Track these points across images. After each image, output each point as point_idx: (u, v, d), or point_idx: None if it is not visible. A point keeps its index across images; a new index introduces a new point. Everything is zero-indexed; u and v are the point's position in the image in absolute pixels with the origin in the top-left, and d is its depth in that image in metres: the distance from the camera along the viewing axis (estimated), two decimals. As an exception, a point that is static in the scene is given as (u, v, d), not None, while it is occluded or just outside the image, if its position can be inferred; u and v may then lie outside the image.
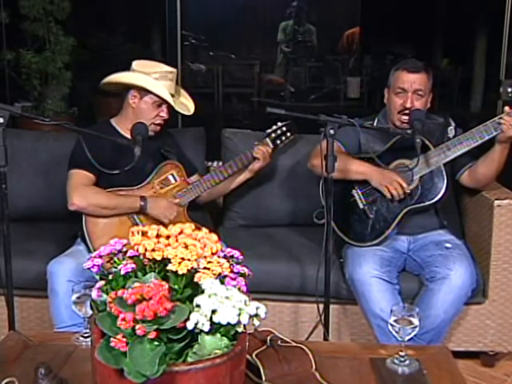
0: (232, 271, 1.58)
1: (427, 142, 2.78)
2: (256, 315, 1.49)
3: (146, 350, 1.40)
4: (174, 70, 2.90)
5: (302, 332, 2.89)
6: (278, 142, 3.08)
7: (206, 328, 1.42)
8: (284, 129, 3.08)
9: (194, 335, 1.45)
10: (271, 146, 3.05)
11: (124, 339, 1.40)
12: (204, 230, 1.65)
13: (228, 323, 1.43)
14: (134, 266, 1.55)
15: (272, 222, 3.36)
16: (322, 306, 2.52)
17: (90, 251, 2.76)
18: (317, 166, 2.76)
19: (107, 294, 1.54)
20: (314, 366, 1.88)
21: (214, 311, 1.43)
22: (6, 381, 1.75)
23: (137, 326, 1.38)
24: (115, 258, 1.62)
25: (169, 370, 1.40)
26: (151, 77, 2.83)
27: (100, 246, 2.64)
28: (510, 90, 4.18)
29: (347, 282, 2.79)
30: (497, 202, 2.81)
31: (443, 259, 2.71)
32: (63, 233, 3.03)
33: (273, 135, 3.06)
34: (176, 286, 1.51)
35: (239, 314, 1.45)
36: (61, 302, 2.64)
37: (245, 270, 1.63)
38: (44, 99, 5.18)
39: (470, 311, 2.89)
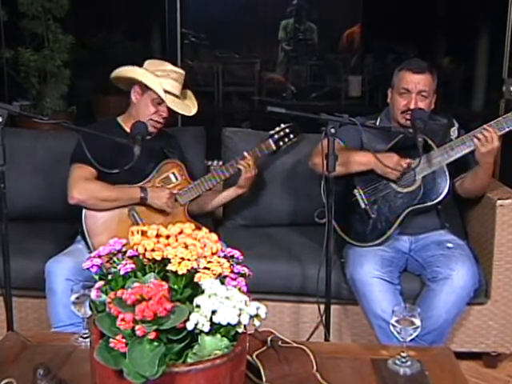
0: (232, 271, 1.58)
1: (430, 142, 2.78)
2: (256, 315, 1.49)
3: (145, 350, 1.40)
4: (179, 70, 2.92)
5: (303, 332, 2.89)
6: (281, 143, 3.08)
7: (206, 328, 1.42)
8: (287, 130, 3.08)
9: (193, 336, 1.45)
10: (274, 147, 3.05)
11: (123, 340, 1.40)
12: (204, 229, 1.65)
13: (228, 324, 1.43)
14: (133, 266, 1.55)
15: (272, 222, 3.36)
16: (322, 307, 2.52)
17: (89, 249, 2.77)
18: (318, 165, 2.76)
19: (106, 294, 1.54)
20: (314, 367, 1.88)
21: (214, 311, 1.43)
22: (4, 382, 1.75)
23: (136, 327, 1.38)
24: (115, 258, 1.62)
25: (168, 371, 1.40)
26: (153, 74, 2.84)
27: (99, 243, 2.71)
28: (512, 88, 4.18)
29: (348, 282, 2.79)
30: (499, 202, 2.81)
31: (445, 259, 2.71)
32: (62, 232, 3.03)
33: (276, 136, 3.06)
34: (176, 287, 1.51)
35: (239, 315, 1.45)
36: (59, 301, 2.64)
37: (245, 270, 1.63)
38: (42, 98, 5.18)
39: (472, 312, 2.89)
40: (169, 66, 2.90)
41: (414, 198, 2.82)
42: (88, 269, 1.60)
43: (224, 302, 1.44)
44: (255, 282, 1.66)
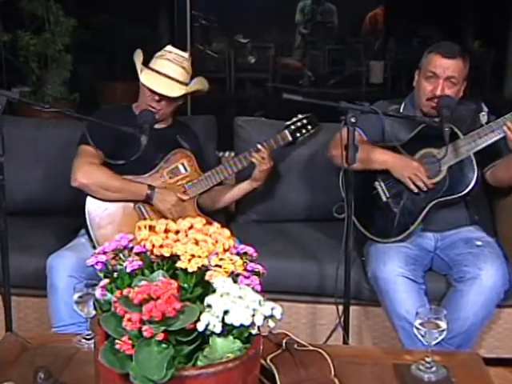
0: (245, 269, 1.58)
1: (456, 130, 2.76)
2: (271, 316, 1.49)
3: (153, 352, 1.40)
4: (179, 52, 2.91)
5: (320, 335, 2.89)
6: (298, 134, 3.08)
7: (218, 330, 1.42)
8: (304, 121, 3.09)
9: (204, 337, 1.45)
10: (290, 138, 3.05)
11: (130, 341, 1.41)
12: (216, 224, 1.65)
13: (241, 325, 1.43)
14: (140, 263, 1.55)
15: (288, 217, 3.36)
16: (341, 308, 2.52)
17: (92, 242, 2.79)
18: (336, 157, 2.76)
19: (112, 292, 1.55)
20: (332, 372, 1.88)
21: (226, 312, 1.43)
22: (3, 385, 1.76)
23: (143, 328, 1.39)
24: (121, 255, 1.62)
25: (177, 375, 1.40)
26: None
27: (102, 236, 2.73)
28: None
29: (370, 280, 2.79)
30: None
31: (473, 258, 2.70)
32: (64, 227, 3.05)
33: (292, 127, 3.07)
34: (185, 285, 1.51)
35: (253, 315, 1.45)
36: (60, 299, 2.66)
37: (259, 268, 1.63)
38: (43, 84, 5.20)
39: (502, 314, 2.88)
40: (169, 47, 2.92)
41: (439, 190, 2.80)
42: (92, 266, 1.61)
43: (237, 302, 1.44)
44: (269, 280, 1.66)
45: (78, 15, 5.31)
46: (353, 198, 2.43)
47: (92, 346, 1.95)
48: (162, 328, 1.39)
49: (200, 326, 1.41)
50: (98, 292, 1.60)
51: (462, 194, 2.79)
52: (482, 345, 2.89)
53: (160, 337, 1.39)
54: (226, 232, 1.62)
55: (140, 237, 1.58)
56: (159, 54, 2.91)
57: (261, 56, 7.30)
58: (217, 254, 1.55)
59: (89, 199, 2.82)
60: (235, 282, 1.53)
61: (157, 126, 2.84)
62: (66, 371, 1.90)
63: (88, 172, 2.78)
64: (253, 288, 1.54)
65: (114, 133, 2.72)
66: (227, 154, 3.50)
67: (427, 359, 1.92)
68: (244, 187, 3.07)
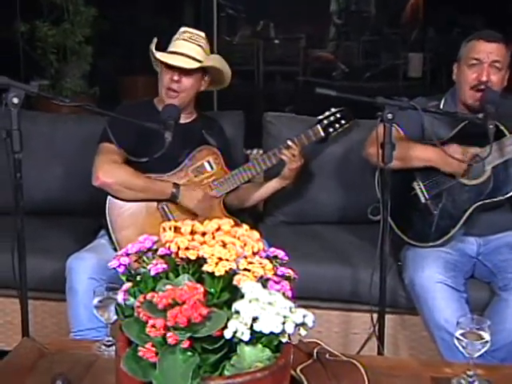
0: (276, 274, 1.59)
1: (502, 127, 2.74)
2: (302, 324, 1.49)
3: (177, 361, 1.41)
4: (193, 30, 2.94)
5: (353, 345, 2.89)
6: (331, 130, 3.07)
7: (246, 337, 1.42)
8: (338, 115, 3.08)
9: (232, 345, 1.46)
10: (322, 134, 3.05)
11: (153, 348, 1.42)
12: (244, 226, 1.66)
13: (271, 332, 1.43)
14: (165, 266, 1.56)
15: (319, 219, 3.36)
16: (376, 316, 2.51)
17: (113, 244, 2.81)
18: (373, 155, 2.75)
19: (135, 297, 1.56)
20: (367, 384, 1.88)
21: (254, 319, 1.44)
22: (20, 393, 1.78)
23: (168, 334, 1.40)
24: (144, 257, 1.63)
25: (203, 385, 1.41)
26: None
27: (124, 238, 2.75)
28: None
29: (406, 287, 2.78)
30: None
31: (519, 264, 2.68)
32: (83, 227, 3.08)
33: (325, 122, 3.06)
34: (212, 290, 1.52)
35: (283, 323, 1.45)
36: (80, 302, 2.67)
37: (290, 272, 1.63)
38: (62, 77, 5.24)
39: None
40: (183, 28, 2.95)
41: (482, 192, 2.78)
42: (114, 268, 1.62)
43: (266, 308, 1.45)
44: (300, 286, 1.66)
45: (99, 4, 5.33)
46: (389, 198, 2.42)
47: (112, 353, 1.97)
48: (188, 335, 1.40)
49: (227, 334, 1.42)
50: (119, 296, 1.61)
51: (507, 195, 2.77)
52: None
53: (185, 344, 1.40)
54: (256, 234, 1.63)
55: (165, 238, 1.59)
56: (175, 37, 2.94)
57: (291, 48, 7.28)
58: (245, 257, 1.55)
59: (109, 199, 2.84)
60: (265, 287, 1.53)
61: (181, 121, 2.85)
62: (86, 379, 1.92)
63: (110, 170, 2.81)
64: (283, 294, 1.54)
65: (137, 129, 2.74)
66: (255, 151, 3.50)
67: (469, 373, 1.91)
68: (273, 185, 3.08)
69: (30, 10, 5.17)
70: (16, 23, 5.22)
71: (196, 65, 2.88)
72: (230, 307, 1.48)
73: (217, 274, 1.49)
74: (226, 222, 1.63)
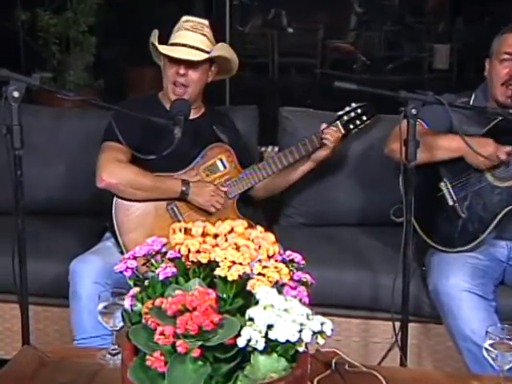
0: (292, 279, 1.59)
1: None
2: (320, 332, 1.49)
3: (188, 370, 1.42)
4: (195, 19, 2.94)
5: (374, 355, 2.90)
6: (351, 126, 3.08)
7: (261, 346, 1.43)
8: (359, 111, 3.08)
9: (245, 354, 1.46)
10: (342, 131, 3.05)
11: (162, 357, 1.42)
12: (259, 228, 1.66)
13: (287, 341, 1.43)
14: (174, 270, 1.57)
15: (338, 220, 3.37)
16: (398, 324, 2.51)
17: (119, 247, 2.83)
18: (396, 151, 2.74)
19: (142, 303, 1.57)
20: (389, 397, 1.88)
21: (269, 326, 1.44)
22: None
23: (177, 342, 1.40)
24: (153, 261, 1.64)
25: (215, 396, 1.42)
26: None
27: (131, 241, 2.76)
28: None
29: (430, 295, 2.77)
30: None
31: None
32: (88, 229, 3.10)
33: (345, 118, 3.07)
34: (225, 295, 1.52)
35: (300, 331, 1.45)
36: (83, 308, 2.69)
37: (307, 277, 1.64)
38: (64, 69, 5.24)
39: None
40: (185, 17, 2.95)
41: (514, 195, 2.78)
42: (121, 272, 1.63)
43: (282, 316, 1.45)
44: (317, 292, 1.67)
45: (104, -8, 5.34)
46: (413, 199, 2.42)
47: (118, 362, 1.99)
48: (199, 343, 1.41)
49: (240, 342, 1.42)
50: (126, 302, 1.62)
51: (542, 198, 2.76)
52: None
53: (196, 353, 1.40)
54: (271, 237, 1.63)
55: (174, 241, 1.60)
56: (176, 27, 2.95)
57: (308, 38, 7.27)
58: (260, 261, 1.56)
59: (116, 200, 2.86)
60: (280, 292, 1.54)
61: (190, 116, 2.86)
62: (90, 390, 1.93)
63: (114, 170, 2.82)
64: (300, 300, 1.55)
65: (144, 125, 2.76)
66: (270, 148, 3.51)
67: (498, 386, 1.91)
68: (304, 169, 3.10)
69: (31, -2, 5.18)
70: (16, 11, 5.22)
71: (203, 56, 2.89)
72: (243, 314, 1.48)
73: (229, 278, 1.49)
74: (240, 224, 1.64)
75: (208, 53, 2.90)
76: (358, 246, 3.14)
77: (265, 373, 1.46)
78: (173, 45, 2.90)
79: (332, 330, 1.50)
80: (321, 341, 1.50)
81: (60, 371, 2.03)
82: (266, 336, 1.43)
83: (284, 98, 6.37)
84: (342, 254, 3.06)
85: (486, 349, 1.88)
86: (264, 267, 1.55)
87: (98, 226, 3.00)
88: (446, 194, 2.88)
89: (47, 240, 3.08)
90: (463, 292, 2.65)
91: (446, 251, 2.82)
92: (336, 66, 7.10)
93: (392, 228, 2.75)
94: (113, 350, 2.11)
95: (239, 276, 1.50)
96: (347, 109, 3.09)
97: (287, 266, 1.60)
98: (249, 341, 1.43)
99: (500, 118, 2.78)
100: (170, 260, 1.60)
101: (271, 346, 1.46)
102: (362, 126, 3.10)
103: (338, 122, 3.06)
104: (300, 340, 1.45)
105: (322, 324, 1.49)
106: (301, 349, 1.48)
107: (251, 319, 1.45)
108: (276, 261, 1.59)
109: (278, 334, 1.43)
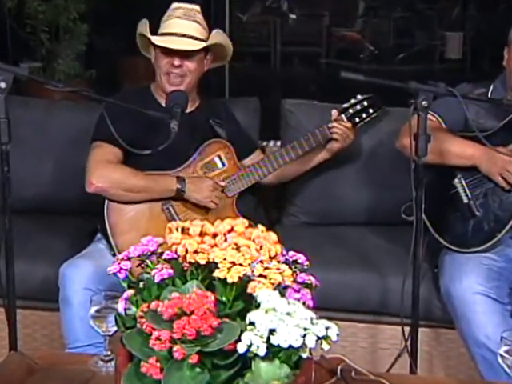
0: (295, 281, 1.60)
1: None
2: (325, 337, 1.49)
3: (185, 378, 1.42)
4: (184, 5, 2.94)
5: (382, 362, 2.90)
6: (357, 119, 3.08)
7: (262, 352, 1.43)
8: (365, 103, 3.09)
9: (245, 361, 1.47)
10: (348, 125, 3.05)
11: (158, 364, 1.43)
12: (260, 227, 1.66)
13: (289, 346, 1.44)
14: (171, 271, 1.58)
15: (345, 219, 3.37)
16: (407, 329, 2.52)
17: (112, 250, 2.82)
18: (407, 147, 2.74)
19: (137, 306, 1.57)
20: (398, 406, 1.89)
21: (271, 331, 1.44)
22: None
23: (174, 348, 1.41)
24: (148, 261, 1.65)
25: (214, 405, 1.43)
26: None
27: (125, 243, 2.75)
28: None
29: (442, 298, 2.78)
30: None
31: None
32: (79, 229, 3.10)
33: (350, 111, 3.07)
34: (224, 298, 1.53)
35: (304, 336, 1.45)
36: (75, 315, 2.69)
37: (311, 279, 1.64)
38: (54, 59, 5.23)
39: None
40: (174, 5, 2.94)
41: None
42: (115, 274, 1.63)
43: (284, 320, 1.45)
44: (322, 295, 1.68)
45: (94, -23, 5.34)
46: (424, 197, 2.42)
47: (111, 369, 1.99)
48: (196, 349, 1.41)
49: (241, 348, 1.43)
50: (120, 305, 1.62)
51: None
52: None
53: (194, 359, 1.41)
54: (273, 236, 1.64)
55: (171, 240, 1.60)
56: (166, 15, 2.93)
57: (313, 26, 7.26)
58: (261, 262, 1.56)
59: (108, 200, 2.86)
60: (283, 295, 1.54)
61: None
62: (81, 398, 1.94)
63: (104, 173, 2.81)
64: (304, 303, 1.55)
65: (138, 120, 2.76)
66: (272, 143, 3.51)
67: (514, 394, 1.91)
68: (318, 159, 3.13)
69: (18, -17, 5.17)
70: (3, -2, 5.23)
71: (199, 45, 2.88)
72: (243, 318, 1.48)
73: (229, 280, 1.50)
74: (240, 223, 1.64)
75: (203, 41, 2.90)
76: (365, 247, 3.14)
77: (266, 380, 1.47)
78: (164, 35, 2.89)
79: (337, 335, 1.51)
80: (326, 346, 1.50)
81: (49, 379, 2.03)
82: (267, 341, 1.44)
83: (287, 89, 6.37)
84: (348, 255, 3.06)
85: (501, 355, 1.88)
86: (265, 268, 1.55)
87: (89, 225, 3.00)
88: (460, 191, 2.87)
89: (36, 240, 3.08)
90: (477, 295, 2.65)
91: (459, 251, 2.82)
92: (342, 55, 7.10)
93: (401, 227, 2.75)
94: (105, 356, 2.11)
95: (239, 278, 1.50)
96: (352, 101, 3.09)
97: (290, 268, 1.61)
98: (249, 346, 1.43)
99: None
100: (167, 261, 1.60)
101: (273, 352, 1.46)
102: (369, 119, 3.11)
103: (343, 116, 3.06)
104: (303, 345, 1.46)
105: (326, 329, 1.49)
106: (304, 355, 1.49)
107: (252, 323, 1.46)
108: (278, 262, 1.59)
109: (281, 340, 1.43)
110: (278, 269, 1.56)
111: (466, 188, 2.87)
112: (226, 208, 2.96)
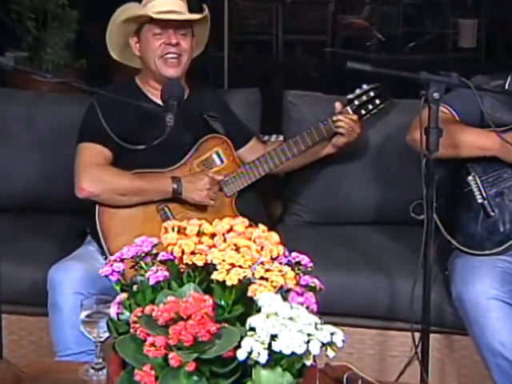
0: (298, 283, 1.60)
1: None
2: (330, 344, 1.50)
3: (181, 386, 1.43)
4: None
5: (391, 370, 2.90)
6: (363, 111, 3.08)
7: (263, 359, 1.43)
8: (372, 94, 3.08)
9: (246, 368, 1.47)
10: (354, 117, 3.05)
11: (152, 372, 1.43)
12: (261, 226, 1.67)
13: (292, 353, 1.44)
14: (166, 273, 1.58)
15: (351, 219, 3.38)
16: (418, 335, 2.52)
17: (104, 253, 2.82)
18: (418, 142, 2.75)
19: (130, 310, 1.58)
20: (407, 417, 1.89)
21: (273, 337, 1.44)
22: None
23: (170, 355, 1.41)
24: (142, 263, 1.65)
25: (212, 415, 1.43)
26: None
27: (118, 247, 2.72)
28: None
29: (454, 303, 2.78)
30: None
31: None
32: (69, 229, 3.11)
33: (356, 102, 3.06)
34: (223, 302, 1.53)
35: (307, 342, 1.46)
36: (65, 322, 2.69)
37: (315, 282, 1.65)
38: (41, 47, 5.23)
39: None
40: None
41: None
42: (107, 276, 1.63)
43: (287, 325, 1.46)
44: (327, 298, 1.68)
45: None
46: (435, 195, 2.41)
47: (103, 377, 1.99)
48: (194, 356, 1.42)
49: (241, 354, 1.43)
50: (112, 310, 1.62)
51: None
52: None
53: (190, 367, 1.41)
54: (275, 236, 1.64)
55: (167, 241, 1.61)
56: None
57: (317, 13, 7.26)
58: (262, 263, 1.57)
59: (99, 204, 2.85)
60: (285, 299, 1.55)
61: None
62: (71, 409, 1.94)
63: (96, 178, 2.80)
64: (307, 307, 1.56)
65: (129, 113, 2.76)
66: (273, 137, 3.51)
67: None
68: (323, 153, 3.14)
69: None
70: (-15, -18, 5.22)
71: (197, 16, 2.90)
72: (243, 323, 1.49)
73: (228, 283, 1.50)
74: (240, 222, 1.65)
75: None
76: (372, 247, 3.15)
77: (268, 389, 1.47)
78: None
79: (343, 341, 1.51)
80: (331, 353, 1.51)
81: (38, 387, 2.04)
82: (269, 348, 1.44)
83: (289, 80, 6.37)
84: (354, 256, 3.06)
85: (517, 363, 1.89)
86: (267, 271, 1.55)
87: (80, 225, 3.00)
88: (474, 190, 2.86)
89: (23, 241, 3.08)
90: (491, 300, 2.65)
91: (472, 254, 2.81)
92: (348, 44, 7.10)
93: (411, 227, 2.76)
94: (97, 364, 2.10)
95: (239, 280, 1.51)
96: (358, 91, 3.07)
97: (293, 270, 1.61)
98: (250, 353, 1.43)
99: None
100: (162, 262, 1.61)
101: (275, 359, 1.46)
102: (376, 110, 3.10)
103: (348, 108, 3.05)
104: (307, 352, 1.46)
105: (331, 334, 1.49)
106: (308, 362, 1.49)
107: (252, 329, 1.46)
108: (280, 263, 1.60)
109: (283, 346, 1.43)
110: (280, 271, 1.56)
111: (481, 186, 2.86)
112: (225, 207, 2.97)
